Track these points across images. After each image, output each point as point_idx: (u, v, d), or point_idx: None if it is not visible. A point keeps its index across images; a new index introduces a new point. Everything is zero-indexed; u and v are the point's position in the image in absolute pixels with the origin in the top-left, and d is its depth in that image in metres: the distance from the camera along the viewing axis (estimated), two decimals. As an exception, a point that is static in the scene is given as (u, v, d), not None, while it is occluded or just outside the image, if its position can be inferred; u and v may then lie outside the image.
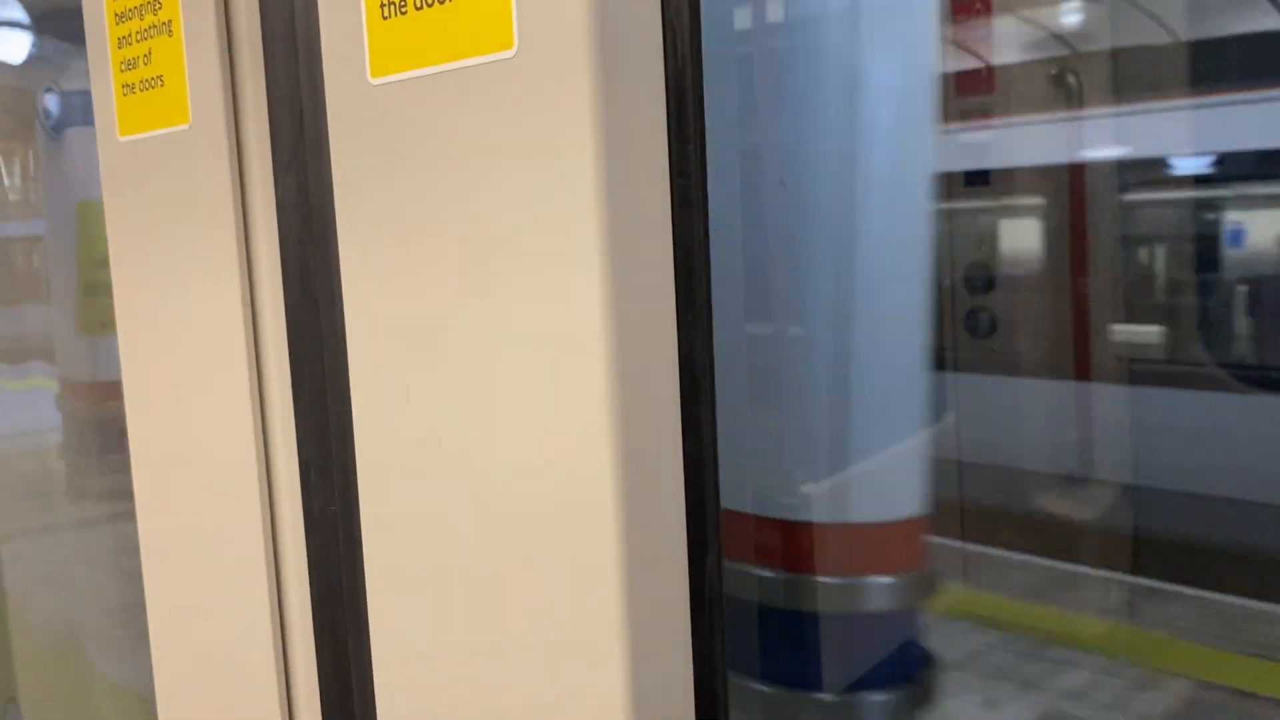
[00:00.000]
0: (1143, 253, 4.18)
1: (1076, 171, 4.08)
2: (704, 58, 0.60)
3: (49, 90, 1.83)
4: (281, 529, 0.75)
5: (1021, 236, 4.37)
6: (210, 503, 0.79)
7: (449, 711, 0.64)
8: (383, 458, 0.66)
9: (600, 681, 0.57)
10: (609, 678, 0.56)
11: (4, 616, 1.81)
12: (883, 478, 1.68)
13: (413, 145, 0.61)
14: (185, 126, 0.76)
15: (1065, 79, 3.99)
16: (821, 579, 1.68)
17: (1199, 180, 4.02)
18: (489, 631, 0.61)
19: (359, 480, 0.67)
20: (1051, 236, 4.19)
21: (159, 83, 0.78)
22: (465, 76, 0.58)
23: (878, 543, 1.72)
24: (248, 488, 0.75)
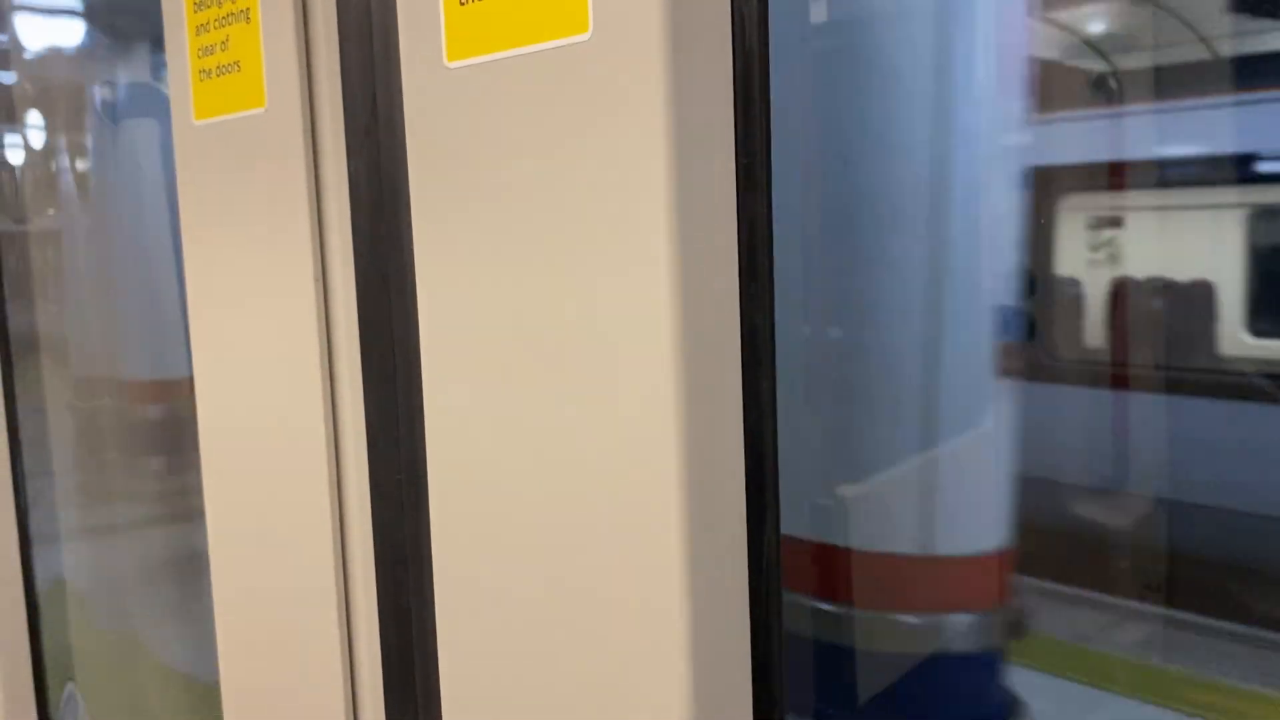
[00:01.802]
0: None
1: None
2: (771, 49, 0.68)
3: (107, 83, 1.98)
4: (348, 500, 0.84)
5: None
6: (278, 473, 0.89)
7: (512, 679, 0.73)
8: (451, 429, 0.75)
9: (662, 639, 0.64)
10: (670, 635, 0.64)
11: (63, 602, 1.96)
12: (968, 506, 1.72)
13: (488, 127, 0.70)
14: (261, 110, 0.87)
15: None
16: (898, 617, 1.72)
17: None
18: (553, 599, 0.70)
19: (427, 450, 0.76)
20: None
21: (235, 68, 0.89)
22: (541, 60, 0.67)
23: (961, 578, 1.76)
24: (315, 457, 0.84)
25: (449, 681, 0.78)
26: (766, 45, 0.67)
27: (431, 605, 0.78)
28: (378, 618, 0.86)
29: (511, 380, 0.71)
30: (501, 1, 0.69)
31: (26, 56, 2.10)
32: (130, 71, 2.01)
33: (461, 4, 0.71)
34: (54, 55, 2.10)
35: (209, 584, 1.00)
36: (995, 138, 1.55)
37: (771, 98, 0.68)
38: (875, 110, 1.45)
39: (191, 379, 0.96)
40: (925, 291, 1.52)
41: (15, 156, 2.17)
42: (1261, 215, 3.90)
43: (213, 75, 0.91)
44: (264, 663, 0.95)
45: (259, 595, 0.95)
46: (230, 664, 1.00)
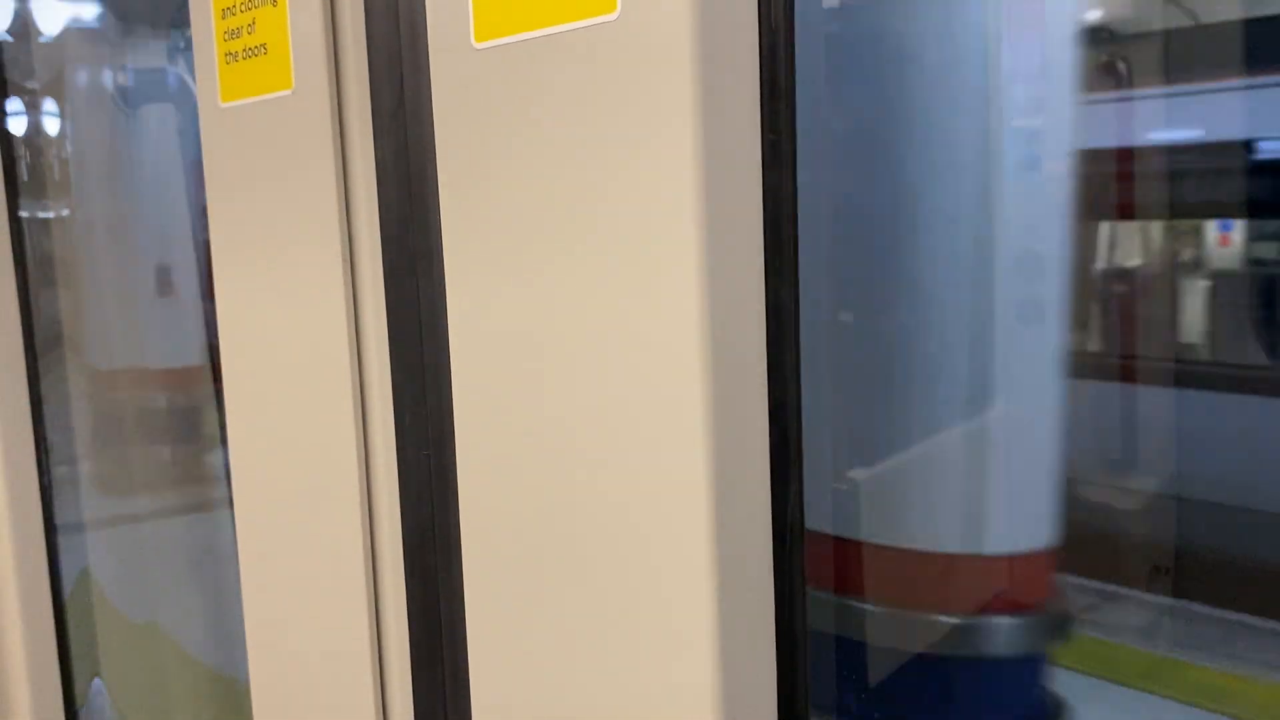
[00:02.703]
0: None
1: None
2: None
3: (124, 68, 2.05)
4: (376, 479, 0.89)
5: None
6: (306, 458, 0.94)
7: (540, 667, 0.77)
8: (479, 413, 0.79)
9: (689, 628, 0.68)
10: (696, 622, 0.68)
11: (89, 597, 2.03)
12: (1015, 502, 1.74)
13: (516, 108, 0.74)
14: (288, 92, 0.91)
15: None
16: (939, 617, 1.74)
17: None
18: (580, 587, 0.74)
19: (455, 433, 0.80)
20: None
21: (262, 50, 0.93)
22: (568, 39, 0.71)
23: (1004, 577, 1.78)
24: (344, 441, 0.89)
25: (477, 669, 0.82)
26: (792, 23, 0.70)
27: (460, 593, 0.82)
28: (406, 606, 0.90)
29: (540, 362, 0.75)
30: None
31: (42, 40, 2.17)
32: (143, 58, 2.08)
33: None
34: (69, 38, 2.17)
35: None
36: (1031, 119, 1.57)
37: (796, 75, 0.71)
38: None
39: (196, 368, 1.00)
40: (956, 277, 1.54)
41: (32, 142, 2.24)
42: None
43: (239, 58, 0.95)
44: (293, 652, 1.00)
45: (288, 585, 0.99)
46: (259, 655, 1.05)
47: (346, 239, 0.88)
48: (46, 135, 2.23)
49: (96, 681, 2.02)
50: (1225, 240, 4.44)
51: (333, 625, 0.94)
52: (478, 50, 0.76)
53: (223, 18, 0.97)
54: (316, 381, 0.91)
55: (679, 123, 0.66)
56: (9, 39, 2.05)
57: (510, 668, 0.79)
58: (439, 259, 0.81)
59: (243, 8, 0.94)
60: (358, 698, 0.92)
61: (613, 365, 0.71)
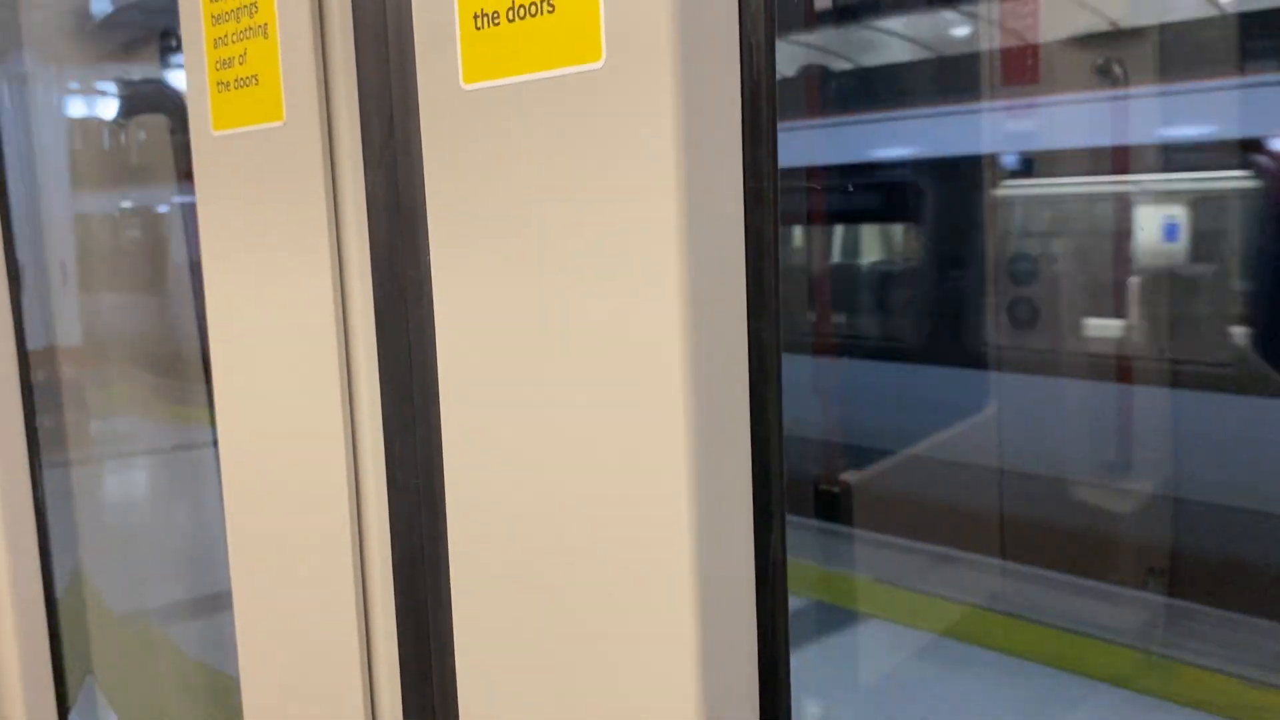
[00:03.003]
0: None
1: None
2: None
3: (117, 80, 2.05)
4: (366, 506, 0.91)
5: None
6: (297, 480, 0.96)
7: (527, 677, 0.79)
8: (467, 437, 0.81)
9: (672, 641, 0.71)
10: (679, 637, 0.70)
11: (81, 596, 2.05)
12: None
13: (503, 148, 0.76)
14: (279, 123, 0.93)
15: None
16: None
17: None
18: (566, 602, 0.76)
19: (444, 457, 0.82)
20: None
21: (254, 81, 0.94)
22: (554, 85, 0.73)
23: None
24: (334, 464, 0.91)
25: (465, 680, 0.84)
26: (774, 72, 0.72)
27: (448, 605, 0.85)
28: (395, 618, 0.92)
29: (525, 390, 0.77)
30: (516, 29, 0.74)
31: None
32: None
33: (477, 29, 0.77)
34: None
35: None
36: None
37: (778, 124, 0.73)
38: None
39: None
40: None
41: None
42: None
43: (231, 88, 0.97)
44: (284, 662, 1.02)
45: (279, 598, 1.02)
46: (250, 663, 1.07)
47: (337, 269, 0.90)
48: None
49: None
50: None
51: (324, 648, 0.96)
52: (466, 91, 0.78)
53: (215, 46, 0.98)
54: (308, 410, 0.93)
55: (663, 170, 0.68)
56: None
57: (498, 689, 0.82)
58: (429, 290, 0.83)
59: (235, 38, 0.96)
60: (348, 716, 0.94)
61: (599, 398, 0.73)
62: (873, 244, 5.43)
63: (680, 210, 0.68)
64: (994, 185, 4.63)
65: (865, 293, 5.37)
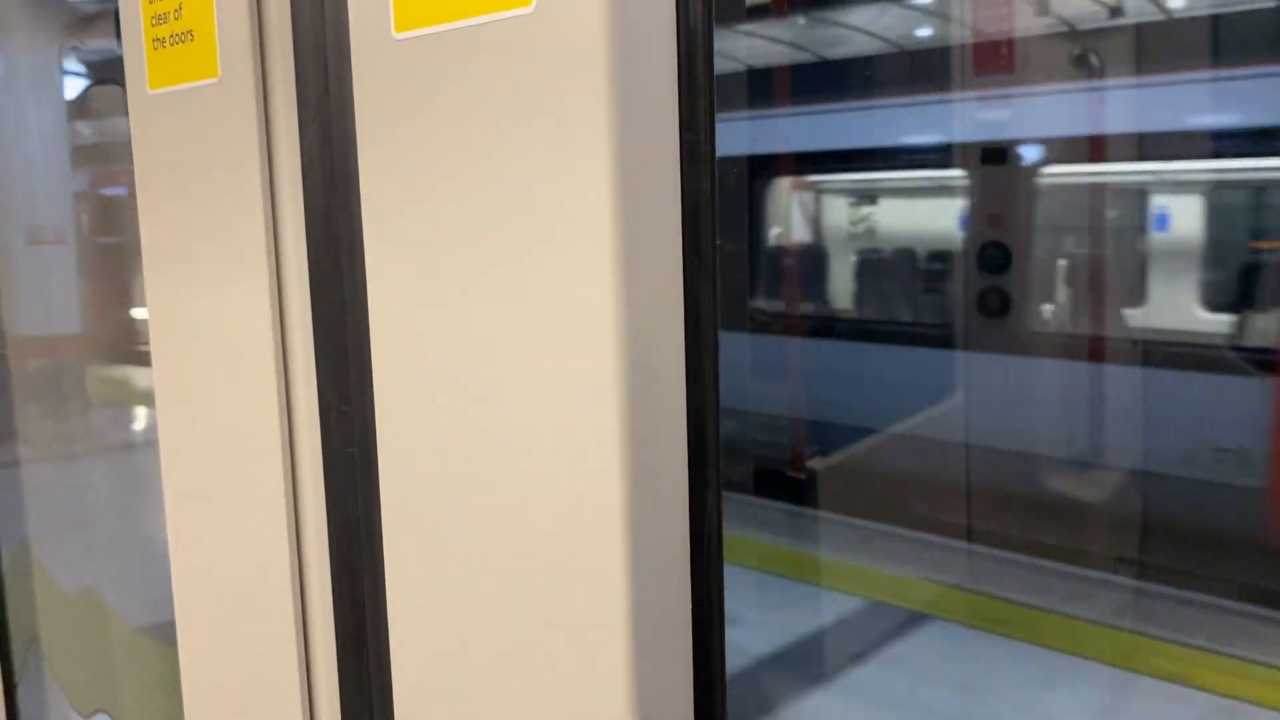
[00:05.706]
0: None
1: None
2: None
3: (74, 49, 2.00)
4: (301, 470, 0.88)
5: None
6: (232, 446, 0.93)
7: (460, 649, 0.77)
8: (400, 401, 0.78)
9: (605, 616, 0.68)
10: (612, 612, 0.68)
11: (27, 563, 2.01)
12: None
13: (434, 98, 0.73)
14: (214, 80, 0.89)
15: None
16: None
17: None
18: (499, 567, 0.73)
19: (377, 422, 0.79)
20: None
21: (189, 37, 0.91)
22: (485, 32, 0.70)
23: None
24: (269, 429, 0.88)
25: (399, 651, 0.81)
26: (711, 24, 0.70)
27: (383, 586, 0.82)
28: (332, 600, 0.89)
29: (459, 350, 0.74)
30: None
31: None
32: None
33: None
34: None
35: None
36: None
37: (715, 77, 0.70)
38: None
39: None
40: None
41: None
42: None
43: (166, 44, 0.93)
44: (221, 635, 0.99)
45: (216, 582, 0.98)
46: (189, 638, 1.04)
47: (272, 229, 0.87)
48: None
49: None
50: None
51: (261, 620, 0.93)
52: (398, 40, 0.75)
53: (150, 2, 0.95)
54: (243, 372, 0.90)
55: (595, 118, 0.65)
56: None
57: (431, 657, 0.79)
58: (361, 250, 0.80)
59: None
60: (284, 686, 0.92)
61: (531, 358, 0.70)
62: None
63: (612, 161, 0.65)
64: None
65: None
